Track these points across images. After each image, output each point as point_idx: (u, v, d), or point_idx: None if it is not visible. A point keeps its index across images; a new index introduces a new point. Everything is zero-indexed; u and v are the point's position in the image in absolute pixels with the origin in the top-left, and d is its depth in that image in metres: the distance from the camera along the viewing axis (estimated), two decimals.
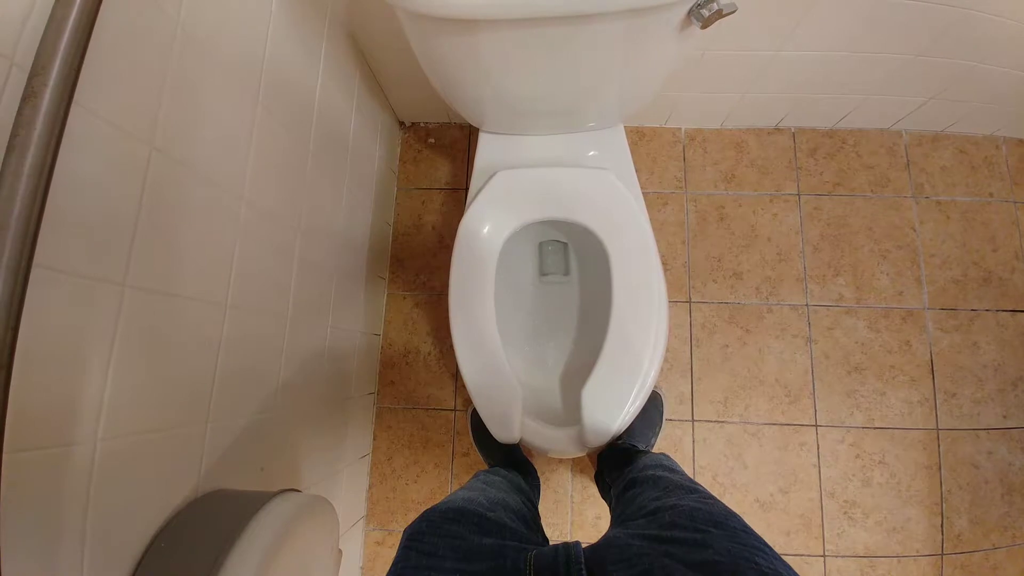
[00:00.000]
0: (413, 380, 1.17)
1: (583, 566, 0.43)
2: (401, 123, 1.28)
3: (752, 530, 0.45)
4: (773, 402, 1.13)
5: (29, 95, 0.32)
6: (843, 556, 1.07)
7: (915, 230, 1.19)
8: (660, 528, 0.47)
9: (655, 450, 1.05)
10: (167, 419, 0.49)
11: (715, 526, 0.45)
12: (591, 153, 0.89)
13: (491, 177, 0.84)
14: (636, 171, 0.88)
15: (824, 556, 1.07)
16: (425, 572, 0.45)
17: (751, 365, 1.14)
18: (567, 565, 0.44)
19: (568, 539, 0.94)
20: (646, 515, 0.53)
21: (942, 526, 1.07)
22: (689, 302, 1.17)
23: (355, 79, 0.96)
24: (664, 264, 1.17)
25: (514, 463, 0.96)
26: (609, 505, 0.81)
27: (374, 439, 1.15)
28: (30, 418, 0.35)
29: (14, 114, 0.31)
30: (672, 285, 1.18)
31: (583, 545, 0.48)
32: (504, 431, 0.76)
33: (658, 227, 1.20)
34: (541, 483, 1.04)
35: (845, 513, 1.08)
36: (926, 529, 1.07)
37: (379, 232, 1.14)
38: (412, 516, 0.51)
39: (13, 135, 0.31)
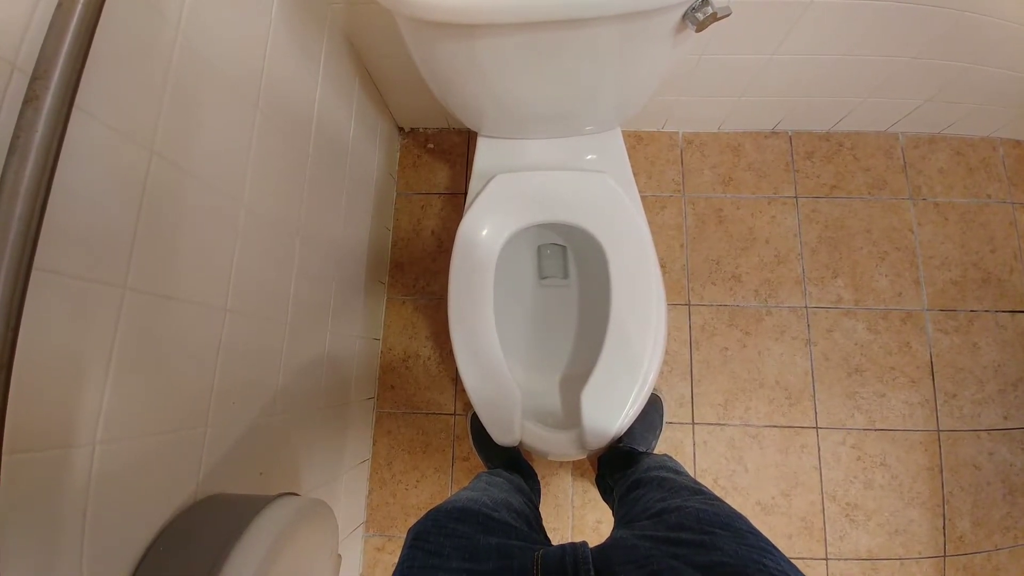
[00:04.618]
0: (413, 384, 1.17)
1: (591, 566, 0.43)
2: (400, 128, 1.29)
3: (759, 532, 0.45)
4: (773, 404, 1.13)
5: (31, 98, 0.32)
6: (845, 559, 1.06)
7: (913, 232, 1.19)
8: (667, 529, 0.47)
9: (656, 452, 1.05)
10: (166, 422, 0.49)
11: (722, 528, 0.45)
12: (589, 157, 0.89)
13: (489, 181, 0.84)
14: (634, 175, 0.88)
15: (826, 559, 1.06)
16: (431, 572, 0.45)
17: (751, 367, 1.14)
18: (575, 565, 0.44)
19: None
20: (651, 516, 0.53)
21: (944, 528, 1.07)
22: (688, 305, 1.17)
23: (354, 85, 0.97)
24: (663, 267, 1.18)
25: (515, 466, 0.96)
26: (611, 507, 0.81)
27: (373, 444, 1.15)
28: (29, 419, 0.35)
29: (16, 117, 0.32)
30: (671, 288, 1.18)
31: (589, 546, 0.47)
32: (504, 434, 0.76)
33: (656, 230, 1.20)
34: (541, 487, 1.04)
35: (847, 515, 1.08)
36: (928, 531, 1.07)
37: (378, 237, 1.14)
38: (412, 522, 0.50)
39: (15, 138, 0.31)
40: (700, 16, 0.59)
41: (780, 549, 0.42)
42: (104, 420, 0.42)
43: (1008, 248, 1.18)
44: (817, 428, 1.12)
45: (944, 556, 1.06)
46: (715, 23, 0.59)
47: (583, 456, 0.85)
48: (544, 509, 1.07)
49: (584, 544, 0.47)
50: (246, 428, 0.63)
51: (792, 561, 0.41)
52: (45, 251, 0.34)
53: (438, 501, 1.12)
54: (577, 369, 0.95)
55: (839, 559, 1.06)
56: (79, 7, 0.34)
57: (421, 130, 1.29)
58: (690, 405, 1.13)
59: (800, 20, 0.87)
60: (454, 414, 1.16)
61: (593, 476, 1.08)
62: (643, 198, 0.85)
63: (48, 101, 0.32)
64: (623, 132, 0.91)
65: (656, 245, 0.82)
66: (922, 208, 1.21)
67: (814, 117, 1.19)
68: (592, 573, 0.43)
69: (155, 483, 0.48)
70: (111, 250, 0.42)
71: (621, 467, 0.83)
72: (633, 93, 0.80)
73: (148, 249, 0.45)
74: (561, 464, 1.13)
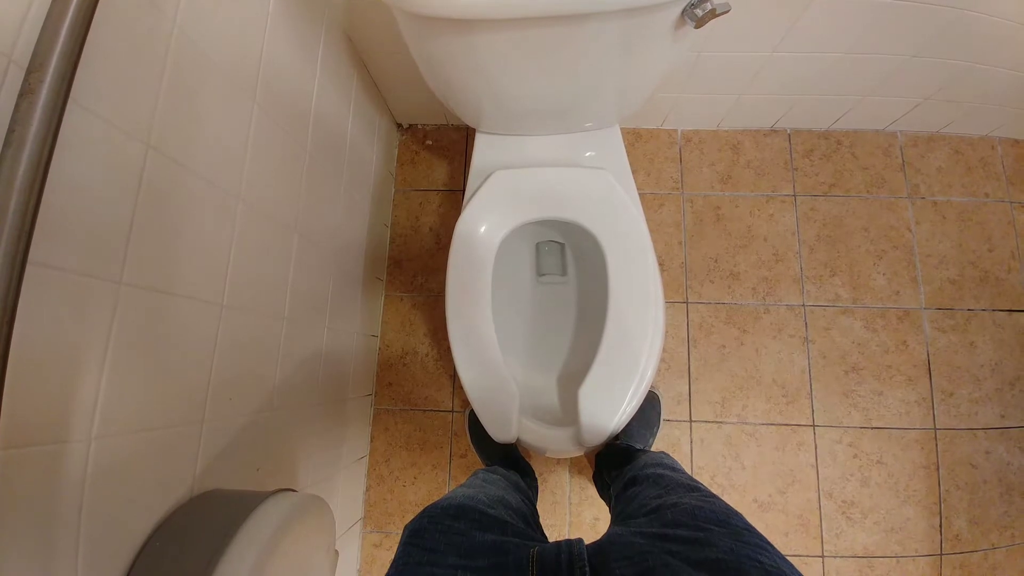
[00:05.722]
0: (411, 381, 1.17)
1: (586, 563, 0.43)
2: (399, 125, 1.29)
3: (754, 529, 0.45)
4: (771, 402, 1.13)
5: (26, 91, 0.32)
6: (842, 556, 1.07)
7: (911, 230, 1.19)
8: (662, 526, 0.47)
9: (653, 450, 1.05)
10: (162, 418, 0.49)
11: (718, 524, 0.45)
12: (588, 153, 0.89)
13: (488, 177, 0.84)
14: (633, 172, 0.88)
15: (823, 556, 1.07)
16: (427, 568, 0.45)
17: (748, 365, 1.14)
18: (570, 562, 0.44)
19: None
20: (648, 513, 0.53)
21: (941, 526, 1.07)
22: (686, 303, 1.17)
23: (352, 81, 0.96)
24: (661, 265, 1.18)
25: (512, 463, 0.96)
26: (608, 504, 0.81)
27: (371, 441, 1.15)
28: (25, 415, 0.35)
29: (11, 111, 0.32)
30: (669, 286, 1.18)
31: (585, 543, 0.47)
32: (502, 431, 0.76)
33: (655, 228, 1.20)
34: (539, 484, 1.04)
35: (843, 513, 1.08)
36: (925, 529, 1.07)
37: (377, 233, 1.14)
38: (409, 519, 0.51)
39: (10, 131, 0.31)
40: (699, 12, 0.59)
41: (776, 546, 0.42)
42: (100, 415, 0.41)
43: (1006, 247, 1.18)
44: (814, 426, 1.12)
45: (941, 554, 1.06)
46: (714, 20, 0.59)
47: (580, 453, 0.85)
48: (541, 506, 1.08)
49: (580, 541, 0.47)
50: (243, 424, 0.63)
51: (788, 558, 0.41)
52: (40, 245, 0.34)
53: (436, 498, 1.12)
54: (575, 366, 0.95)
55: (835, 556, 1.07)
56: (75, 0, 0.34)
57: (420, 126, 1.29)
58: (687, 403, 1.13)
59: (800, 18, 0.87)
60: (452, 411, 1.16)
61: (590, 473, 1.09)
62: (641, 196, 0.85)
63: (43, 94, 0.32)
64: (622, 129, 0.91)
65: (654, 243, 0.82)
66: (920, 207, 1.21)
67: (813, 115, 1.19)
68: (588, 569, 0.43)
69: (151, 479, 0.48)
70: (107, 245, 0.42)
71: (618, 464, 0.83)
72: (632, 90, 0.79)
73: (144, 244, 0.45)
74: (559, 461, 1.13)
